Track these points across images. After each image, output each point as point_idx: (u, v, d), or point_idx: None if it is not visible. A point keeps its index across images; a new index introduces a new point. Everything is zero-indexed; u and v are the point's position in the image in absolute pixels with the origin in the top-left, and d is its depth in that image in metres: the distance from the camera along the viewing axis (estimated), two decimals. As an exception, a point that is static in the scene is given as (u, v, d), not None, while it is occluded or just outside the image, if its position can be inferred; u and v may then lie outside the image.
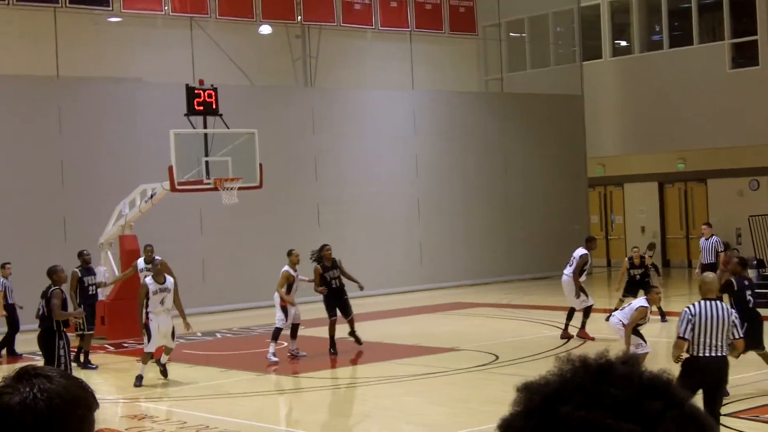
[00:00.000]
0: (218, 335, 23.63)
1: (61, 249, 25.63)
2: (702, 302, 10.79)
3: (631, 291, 22.41)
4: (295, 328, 19.38)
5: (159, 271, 17.61)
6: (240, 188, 21.88)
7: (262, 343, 21.50)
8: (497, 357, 18.41)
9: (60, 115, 26.26)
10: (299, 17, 29.98)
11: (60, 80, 26.89)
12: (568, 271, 20.85)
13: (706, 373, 10.54)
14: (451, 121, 33.58)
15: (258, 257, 28.65)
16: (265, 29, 30.99)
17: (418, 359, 18.69)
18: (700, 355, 10.58)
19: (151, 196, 22.73)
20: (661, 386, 1.71)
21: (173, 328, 17.46)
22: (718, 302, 10.85)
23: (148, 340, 17.12)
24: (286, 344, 19.62)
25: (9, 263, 21.41)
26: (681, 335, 10.64)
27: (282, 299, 19.07)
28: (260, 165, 22.41)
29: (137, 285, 20.58)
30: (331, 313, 19.69)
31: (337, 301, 19.76)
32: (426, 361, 18.26)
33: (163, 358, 17.43)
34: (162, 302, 17.21)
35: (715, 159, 34.82)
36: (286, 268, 19.39)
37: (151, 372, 17.45)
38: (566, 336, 20.23)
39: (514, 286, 32.02)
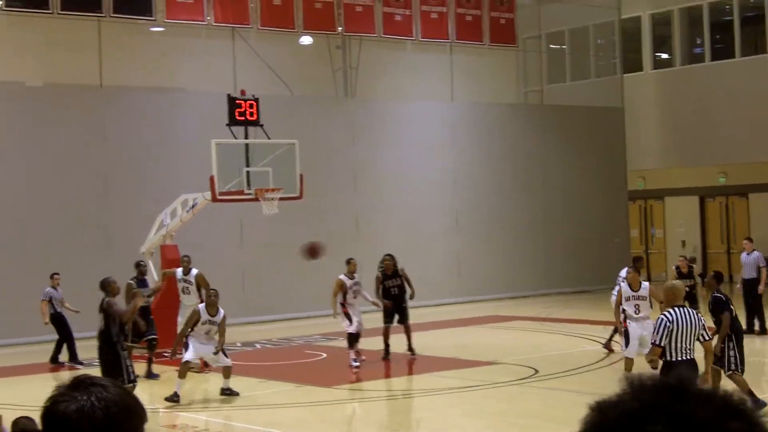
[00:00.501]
0: (257, 345, 23.71)
1: (105, 257, 25.88)
2: (676, 309, 11.14)
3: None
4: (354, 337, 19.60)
5: (213, 302, 16.93)
6: (280, 199, 21.95)
7: (300, 354, 21.59)
8: (537, 371, 18.35)
9: (104, 124, 26.49)
10: (340, 28, 30.08)
11: (104, 90, 27.13)
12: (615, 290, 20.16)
13: None
14: (489, 133, 33.55)
15: (297, 268, 28.69)
16: (306, 40, 31.12)
17: (456, 372, 18.67)
18: (677, 359, 10.98)
19: (193, 206, 22.85)
20: (738, 405, 1.75)
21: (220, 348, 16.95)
22: (687, 308, 11.30)
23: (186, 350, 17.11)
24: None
25: (57, 273, 21.64)
26: (658, 343, 11.00)
27: (341, 306, 19.63)
28: (300, 175, 22.47)
29: (174, 292, 20.74)
30: (388, 319, 20.24)
31: (395, 308, 20.39)
32: (464, 374, 18.24)
33: (225, 383, 16.92)
34: (207, 333, 16.88)
35: (757, 173, 34.56)
36: (342, 276, 19.79)
37: (188, 383, 17.50)
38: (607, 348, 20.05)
39: (553, 300, 31.90)
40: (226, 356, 17.03)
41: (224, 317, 16.89)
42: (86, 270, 25.63)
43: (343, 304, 19.76)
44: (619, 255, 36.04)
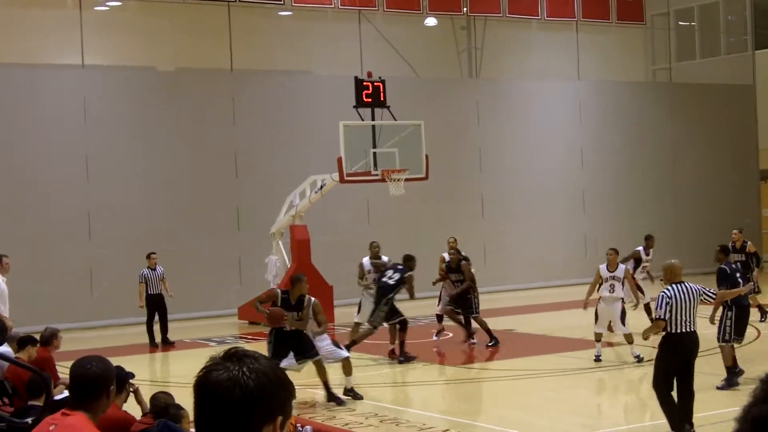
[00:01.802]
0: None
1: (234, 237, 26.49)
2: (675, 285, 11.91)
3: None
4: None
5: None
6: (406, 180, 22.10)
7: (427, 333, 21.74)
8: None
9: (234, 107, 27.06)
10: (465, 8, 30.09)
11: (234, 73, 27.70)
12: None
13: (686, 346, 11.81)
14: (617, 112, 33.19)
15: (422, 247, 28.89)
16: (431, 21, 31.21)
17: (582, 353, 18.60)
18: (679, 331, 11.73)
19: (321, 187, 23.17)
20: None
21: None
22: (686, 284, 11.98)
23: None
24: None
25: (154, 253, 21.66)
26: (662, 317, 11.71)
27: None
28: (426, 156, 22.59)
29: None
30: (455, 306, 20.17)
31: (460, 300, 20.06)
32: (590, 355, 18.14)
33: (348, 381, 15.18)
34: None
35: None
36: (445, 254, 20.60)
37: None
38: None
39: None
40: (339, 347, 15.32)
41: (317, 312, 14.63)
42: (216, 249, 26.32)
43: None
44: (751, 236, 35.31)
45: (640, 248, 21.09)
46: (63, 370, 14.65)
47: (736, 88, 35.22)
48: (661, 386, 11.90)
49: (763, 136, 35.46)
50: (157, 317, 21.48)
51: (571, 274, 30.84)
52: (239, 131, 27.00)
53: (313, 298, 14.65)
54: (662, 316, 11.70)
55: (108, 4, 27.84)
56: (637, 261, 20.98)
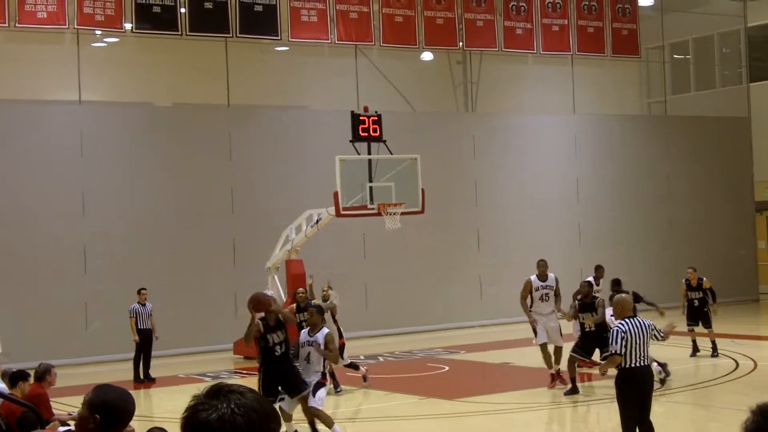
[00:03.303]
0: (380, 358, 23.99)
1: (230, 273, 26.51)
2: (628, 320, 11.73)
3: (692, 319, 21.67)
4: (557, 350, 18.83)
5: (313, 321, 14.61)
6: (403, 213, 22.13)
7: (423, 366, 21.74)
8: (662, 384, 18.16)
9: (230, 142, 27.16)
10: (461, 43, 30.24)
11: (230, 108, 27.81)
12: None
13: (642, 381, 11.74)
14: (612, 145, 33.32)
15: (420, 281, 29.00)
16: (427, 56, 31.37)
17: (581, 385, 18.57)
18: (634, 365, 11.60)
19: (317, 221, 23.20)
20: None
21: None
22: (638, 318, 11.87)
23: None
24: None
25: (144, 289, 21.75)
26: (618, 351, 11.56)
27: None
28: (422, 190, 22.63)
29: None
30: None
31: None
32: (586, 387, 18.10)
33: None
34: (308, 357, 14.45)
35: None
36: (532, 277, 19.44)
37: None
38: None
39: (678, 313, 31.39)
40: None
41: (329, 340, 14.41)
42: (213, 284, 26.33)
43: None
44: (746, 267, 35.39)
45: (590, 278, 21.23)
46: (57, 406, 14.65)
47: (731, 120, 35.36)
48: (629, 426, 11.73)
49: (758, 169, 35.57)
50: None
51: (566, 307, 30.77)
52: (236, 166, 27.08)
53: (326, 329, 14.55)
54: (618, 351, 11.56)
55: (105, 40, 27.98)
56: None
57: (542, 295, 19.21)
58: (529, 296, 19.03)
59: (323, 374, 14.47)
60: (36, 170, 24.88)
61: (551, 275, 19.20)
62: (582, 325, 18.13)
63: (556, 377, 18.33)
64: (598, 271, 21.62)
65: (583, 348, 17.86)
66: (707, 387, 17.63)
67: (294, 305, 19.55)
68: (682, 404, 16.49)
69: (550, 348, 18.55)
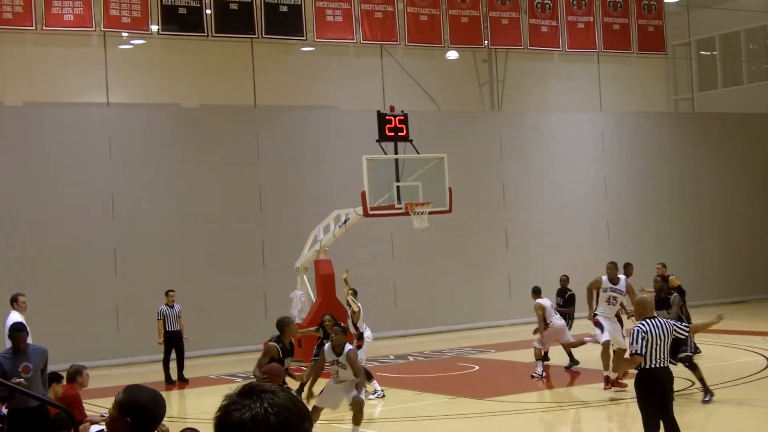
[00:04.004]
0: (410, 358, 23.96)
1: (260, 273, 26.55)
2: (649, 320, 11.68)
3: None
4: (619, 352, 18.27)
5: (338, 340, 14.48)
6: (430, 213, 22.11)
7: (453, 366, 21.69)
8: (693, 383, 18.06)
9: (257, 142, 27.19)
10: (486, 41, 30.16)
11: (258, 109, 27.85)
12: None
13: (662, 382, 11.66)
14: (639, 143, 33.17)
15: (448, 280, 28.96)
16: (453, 54, 31.32)
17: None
18: (654, 366, 11.56)
19: (345, 221, 23.22)
20: None
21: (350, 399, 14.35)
22: (659, 319, 11.82)
23: None
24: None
25: (173, 290, 21.71)
26: (639, 352, 11.50)
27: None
28: (449, 189, 22.60)
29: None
30: None
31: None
32: (629, 388, 17.99)
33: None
34: (336, 375, 14.42)
35: None
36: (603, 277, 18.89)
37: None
38: None
39: (709, 311, 31.21)
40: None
41: (352, 357, 14.32)
42: (242, 284, 26.38)
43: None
44: (776, 264, 35.15)
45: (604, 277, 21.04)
46: (89, 407, 14.71)
47: (759, 116, 35.15)
48: (651, 428, 11.66)
49: (787, 165, 35.35)
50: (173, 354, 21.52)
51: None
52: (263, 167, 27.12)
53: (349, 346, 14.37)
54: (639, 351, 11.49)
55: (132, 42, 28.08)
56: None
57: (609, 298, 18.69)
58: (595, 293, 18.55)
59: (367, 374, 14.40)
60: (65, 173, 24.99)
61: (622, 278, 18.56)
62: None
63: (611, 380, 17.96)
64: (627, 268, 21.47)
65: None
66: (738, 385, 17.50)
67: (312, 327, 19.55)
68: (715, 403, 16.37)
69: (613, 349, 18.15)
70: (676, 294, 18.79)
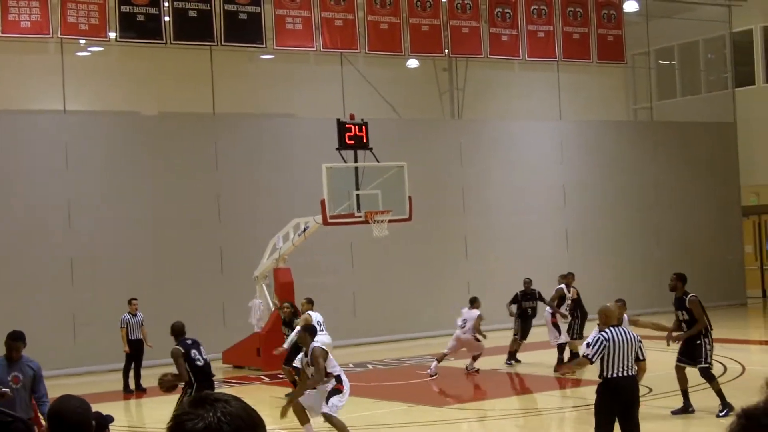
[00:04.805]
0: (369, 366, 23.92)
1: (218, 281, 26.42)
2: (612, 329, 11.63)
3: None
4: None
5: (302, 340, 14.57)
6: (390, 221, 22.10)
7: (412, 374, 21.68)
8: (650, 389, 18.16)
9: (216, 150, 27.08)
10: (447, 50, 30.21)
11: (217, 117, 27.73)
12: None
13: (623, 392, 11.53)
14: (599, 151, 33.35)
15: (407, 289, 28.95)
16: (413, 63, 31.36)
17: (564, 391, 18.54)
18: (616, 375, 11.49)
19: (304, 230, 23.17)
20: None
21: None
22: (622, 328, 11.79)
23: None
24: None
25: (135, 299, 21.66)
26: (590, 357, 11.53)
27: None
28: (410, 197, 22.61)
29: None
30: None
31: (525, 324, 22.79)
32: (573, 393, 18.09)
33: None
34: (310, 375, 14.28)
35: None
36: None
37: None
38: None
39: (666, 318, 31.37)
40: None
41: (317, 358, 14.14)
42: (201, 293, 26.23)
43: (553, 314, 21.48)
44: (734, 272, 35.45)
45: (562, 286, 21.68)
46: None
47: (717, 125, 35.45)
48: None
49: (744, 174, 35.66)
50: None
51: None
52: (222, 175, 27.01)
53: (314, 345, 14.24)
54: (590, 357, 11.49)
55: (90, 49, 27.89)
56: (561, 299, 21.56)
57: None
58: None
59: (338, 379, 14.32)
60: (21, 181, 24.75)
61: (625, 318, 18.28)
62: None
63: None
64: (568, 278, 22.11)
65: (686, 353, 16.61)
66: (694, 392, 17.59)
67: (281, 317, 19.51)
68: (667, 410, 16.46)
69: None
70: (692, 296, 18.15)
